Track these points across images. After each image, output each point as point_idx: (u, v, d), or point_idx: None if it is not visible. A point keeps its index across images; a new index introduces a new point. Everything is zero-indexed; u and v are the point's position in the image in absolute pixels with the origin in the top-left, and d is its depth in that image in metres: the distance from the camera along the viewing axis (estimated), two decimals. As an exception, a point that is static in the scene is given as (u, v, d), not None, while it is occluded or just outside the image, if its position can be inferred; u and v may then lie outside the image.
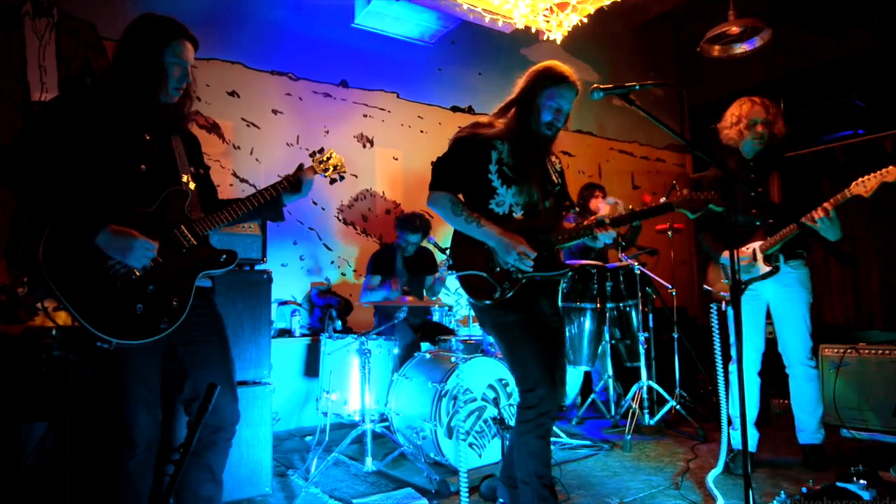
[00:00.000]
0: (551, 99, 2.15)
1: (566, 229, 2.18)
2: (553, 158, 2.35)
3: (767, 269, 2.85)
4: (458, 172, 2.20)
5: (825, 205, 2.67)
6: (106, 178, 1.75)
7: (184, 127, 2.00)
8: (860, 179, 2.66)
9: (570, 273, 2.18)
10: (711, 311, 2.77)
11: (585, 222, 2.16)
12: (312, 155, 2.22)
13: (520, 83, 2.23)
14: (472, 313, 3.82)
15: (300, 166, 2.13)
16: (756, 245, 2.88)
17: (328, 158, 2.21)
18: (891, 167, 2.61)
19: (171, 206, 1.84)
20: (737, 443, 3.01)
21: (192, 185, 1.95)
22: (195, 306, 1.84)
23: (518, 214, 2.18)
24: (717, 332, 2.73)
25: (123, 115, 1.80)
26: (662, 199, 3.35)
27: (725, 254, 2.94)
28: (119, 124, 1.79)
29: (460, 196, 2.21)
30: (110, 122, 1.77)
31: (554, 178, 2.31)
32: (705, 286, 3.14)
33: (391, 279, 4.07)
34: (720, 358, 2.68)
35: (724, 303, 3.02)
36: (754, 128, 2.94)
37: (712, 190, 3.08)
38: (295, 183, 2.06)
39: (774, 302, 2.98)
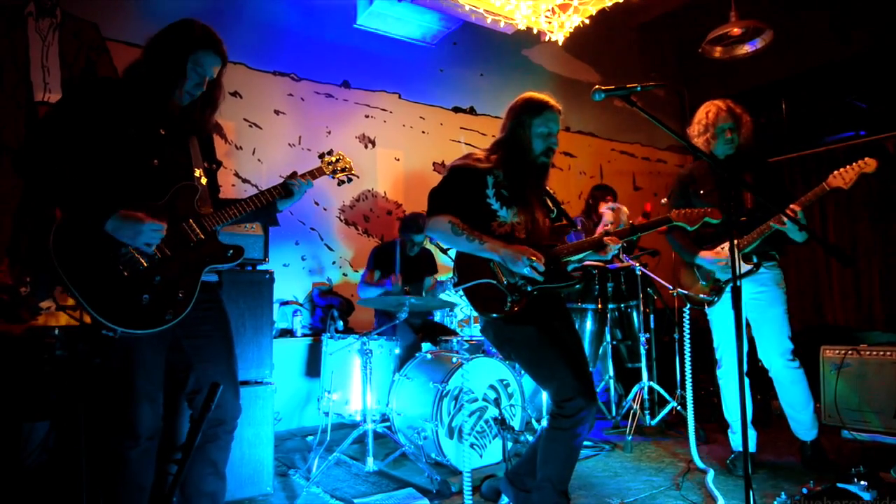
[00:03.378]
0: (539, 127, 2.20)
1: (570, 243, 2.21)
2: (547, 188, 2.39)
3: (748, 267, 2.85)
4: (455, 197, 2.20)
5: (801, 199, 2.67)
6: (118, 172, 1.77)
7: (205, 131, 2.02)
8: (838, 171, 2.65)
9: (577, 285, 2.23)
10: (684, 315, 2.76)
11: (589, 238, 2.21)
12: (322, 156, 2.23)
13: (503, 122, 2.28)
14: (478, 321, 3.81)
15: (293, 174, 2.11)
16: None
17: (337, 160, 2.24)
18: (868, 158, 2.61)
19: (181, 200, 1.86)
20: (737, 445, 3.01)
21: (203, 181, 1.97)
22: (201, 300, 1.86)
23: (521, 234, 2.20)
24: (688, 335, 2.73)
25: (140, 110, 1.82)
26: (663, 201, 3.36)
27: (703, 254, 2.93)
28: (135, 118, 1.80)
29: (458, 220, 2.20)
30: (126, 116, 1.79)
31: (550, 204, 2.35)
32: (679, 290, 3.12)
33: (391, 274, 4.06)
34: (689, 363, 2.68)
35: (705, 305, 3.00)
36: (723, 134, 2.94)
37: (694, 184, 3.08)
38: (286, 190, 2.05)
39: (751, 304, 2.93)
